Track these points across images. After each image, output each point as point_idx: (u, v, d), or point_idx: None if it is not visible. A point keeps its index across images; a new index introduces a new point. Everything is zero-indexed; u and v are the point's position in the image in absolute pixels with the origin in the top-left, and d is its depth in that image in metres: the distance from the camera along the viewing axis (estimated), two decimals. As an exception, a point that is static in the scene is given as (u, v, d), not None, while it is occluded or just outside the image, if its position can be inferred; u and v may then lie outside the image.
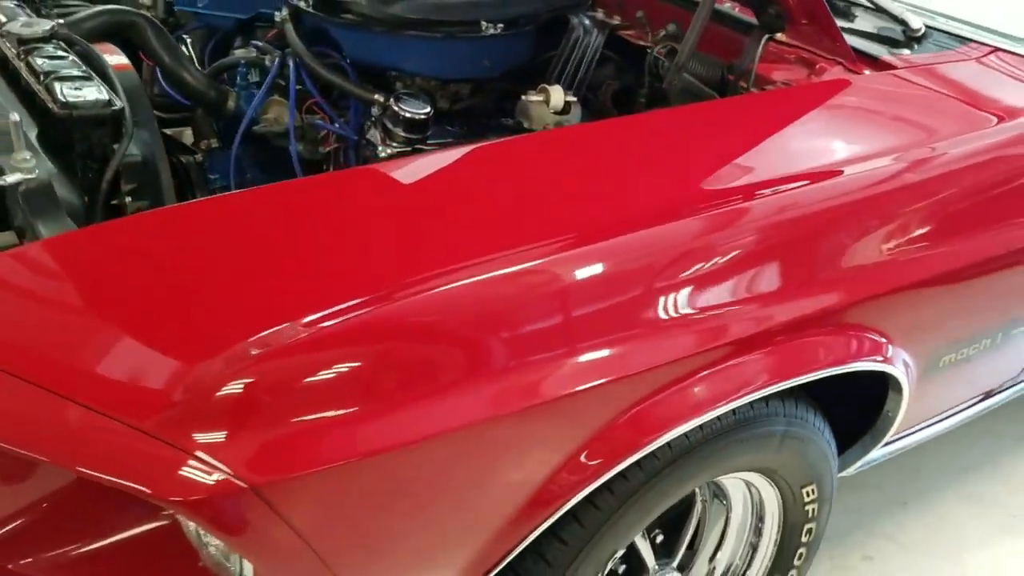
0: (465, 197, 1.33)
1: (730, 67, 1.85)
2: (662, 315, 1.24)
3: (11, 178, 1.26)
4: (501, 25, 1.86)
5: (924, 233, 1.54)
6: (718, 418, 1.35)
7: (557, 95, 1.78)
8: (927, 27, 1.99)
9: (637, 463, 1.28)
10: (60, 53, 1.59)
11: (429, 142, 1.82)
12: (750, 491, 1.67)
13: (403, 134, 1.79)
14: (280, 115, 1.88)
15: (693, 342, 1.27)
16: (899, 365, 1.57)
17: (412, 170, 1.41)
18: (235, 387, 0.99)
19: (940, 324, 1.65)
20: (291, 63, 1.86)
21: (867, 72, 1.82)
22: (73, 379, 1.00)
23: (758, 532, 1.73)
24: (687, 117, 1.66)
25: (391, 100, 1.79)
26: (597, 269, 1.20)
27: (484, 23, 1.85)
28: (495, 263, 1.14)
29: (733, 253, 1.31)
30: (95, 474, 0.98)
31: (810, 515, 1.69)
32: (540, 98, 1.79)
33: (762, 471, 1.57)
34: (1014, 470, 2.61)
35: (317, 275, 1.12)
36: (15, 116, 1.29)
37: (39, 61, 1.54)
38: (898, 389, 1.62)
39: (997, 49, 1.96)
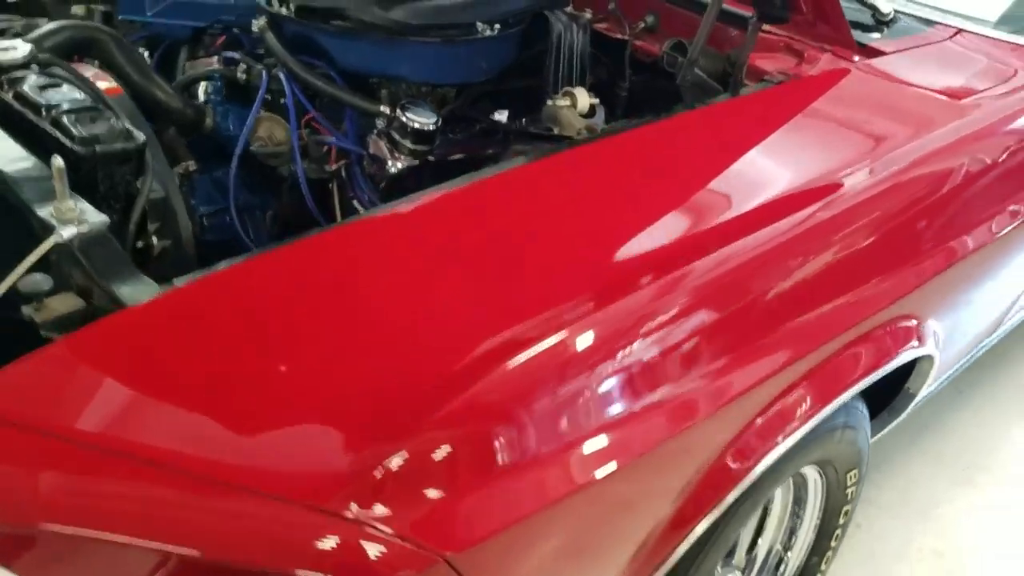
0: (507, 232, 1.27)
1: (728, 59, 1.84)
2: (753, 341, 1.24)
3: (67, 232, 1.12)
4: (498, 26, 1.80)
5: (950, 220, 1.61)
6: None
7: (583, 98, 1.73)
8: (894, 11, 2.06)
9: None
10: (49, 81, 1.43)
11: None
12: (791, 480, 1.70)
13: (411, 145, 1.70)
14: (272, 132, 1.76)
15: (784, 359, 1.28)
16: (930, 341, 1.63)
17: (408, 219, 1.30)
18: (409, 462, 0.92)
19: (960, 296, 1.73)
20: (283, 76, 1.73)
21: (857, 59, 1.86)
22: (231, 468, 0.90)
23: (796, 515, 1.76)
24: (715, 120, 1.65)
25: (397, 111, 1.70)
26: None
27: (480, 24, 1.78)
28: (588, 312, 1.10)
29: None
30: (277, 569, 0.89)
31: (849, 497, 1.74)
32: (567, 102, 1.74)
33: (819, 462, 1.60)
34: (958, 424, 2.77)
35: (419, 336, 1.06)
36: (59, 161, 1.15)
37: (30, 91, 1.38)
38: (929, 362, 1.68)
39: (961, 30, 2.05)
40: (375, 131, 1.75)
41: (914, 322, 1.58)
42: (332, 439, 0.94)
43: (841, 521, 1.78)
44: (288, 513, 0.88)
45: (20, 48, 1.47)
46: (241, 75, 1.83)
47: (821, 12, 1.78)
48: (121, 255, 1.15)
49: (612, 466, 1.06)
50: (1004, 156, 1.68)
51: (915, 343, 1.58)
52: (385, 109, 1.72)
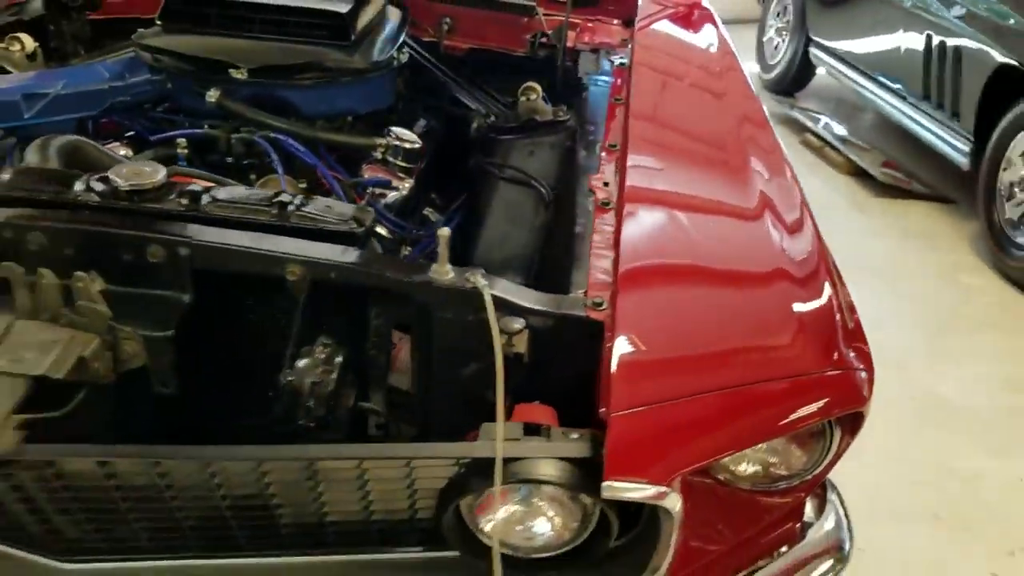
0: None
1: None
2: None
3: (482, 282, 1.29)
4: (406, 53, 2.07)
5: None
6: None
7: (538, 87, 2.09)
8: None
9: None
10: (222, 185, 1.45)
11: None
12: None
13: (403, 164, 1.93)
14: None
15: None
16: None
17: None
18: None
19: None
20: (280, 138, 1.80)
21: (616, 21, 2.49)
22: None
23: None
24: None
25: (388, 138, 1.91)
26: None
27: (395, 54, 2.03)
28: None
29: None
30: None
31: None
32: (534, 95, 2.07)
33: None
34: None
35: None
36: (447, 230, 1.30)
37: (237, 198, 1.40)
38: None
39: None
40: (368, 161, 1.92)
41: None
42: (809, 338, 1.36)
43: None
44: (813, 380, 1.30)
45: (158, 169, 1.42)
46: (182, 150, 1.84)
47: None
48: (510, 283, 1.36)
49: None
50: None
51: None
52: (381, 141, 1.91)
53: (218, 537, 1.28)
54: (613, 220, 1.52)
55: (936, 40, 4.52)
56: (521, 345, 1.29)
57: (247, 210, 1.39)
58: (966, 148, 4.38)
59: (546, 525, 1.28)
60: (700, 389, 1.22)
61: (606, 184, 1.64)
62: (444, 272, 1.32)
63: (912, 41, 4.74)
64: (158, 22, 1.88)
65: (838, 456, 1.42)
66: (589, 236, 1.50)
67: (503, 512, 1.26)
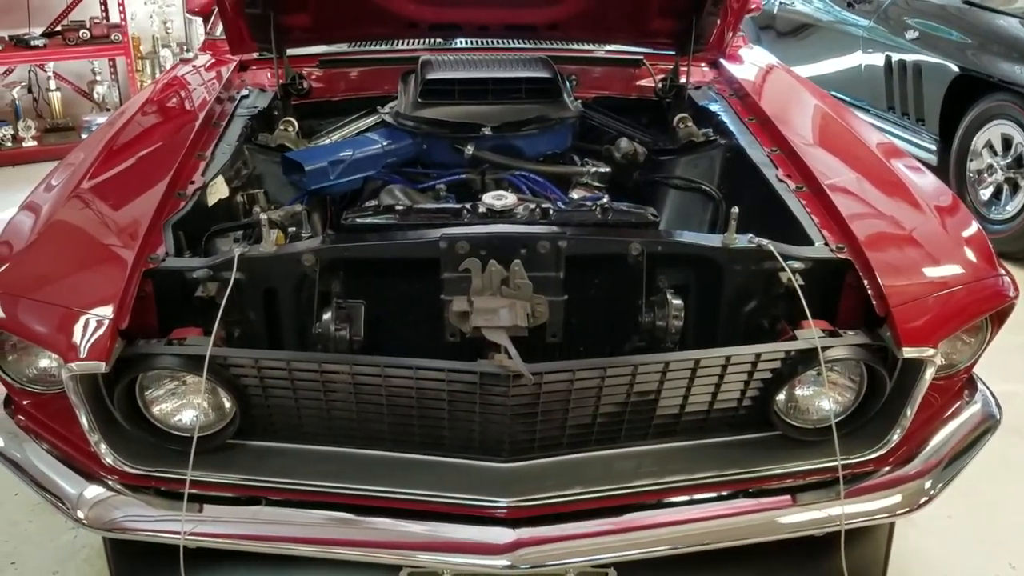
0: None
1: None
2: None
3: (763, 240, 1.92)
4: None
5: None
6: None
7: (689, 117, 2.77)
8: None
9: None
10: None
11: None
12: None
13: (599, 184, 2.54)
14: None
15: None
16: None
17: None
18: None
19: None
20: (524, 174, 2.42)
21: (705, 66, 3.16)
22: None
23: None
24: None
25: (587, 167, 2.54)
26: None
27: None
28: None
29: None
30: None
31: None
32: (689, 123, 2.73)
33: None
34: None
35: None
36: (736, 209, 1.91)
37: (572, 208, 2.04)
38: None
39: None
40: (573, 184, 2.53)
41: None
42: (982, 254, 2.02)
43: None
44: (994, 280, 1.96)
45: (507, 195, 2.03)
46: (444, 193, 2.44)
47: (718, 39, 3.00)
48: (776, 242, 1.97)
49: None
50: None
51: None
52: (584, 169, 2.53)
53: (614, 430, 1.88)
54: (813, 196, 2.17)
55: (895, 59, 5.35)
56: (798, 280, 1.90)
57: (582, 214, 2.00)
58: (933, 147, 5.18)
59: (826, 402, 1.90)
60: (937, 288, 1.87)
61: (788, 176, 2.28)
62: (733, 239, 1.94)
63: (871, 62, 5.57)
64: (419, 100, 2.48)
65: (987, 345, 2.07)
66: (799, 209, 2.14)
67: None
